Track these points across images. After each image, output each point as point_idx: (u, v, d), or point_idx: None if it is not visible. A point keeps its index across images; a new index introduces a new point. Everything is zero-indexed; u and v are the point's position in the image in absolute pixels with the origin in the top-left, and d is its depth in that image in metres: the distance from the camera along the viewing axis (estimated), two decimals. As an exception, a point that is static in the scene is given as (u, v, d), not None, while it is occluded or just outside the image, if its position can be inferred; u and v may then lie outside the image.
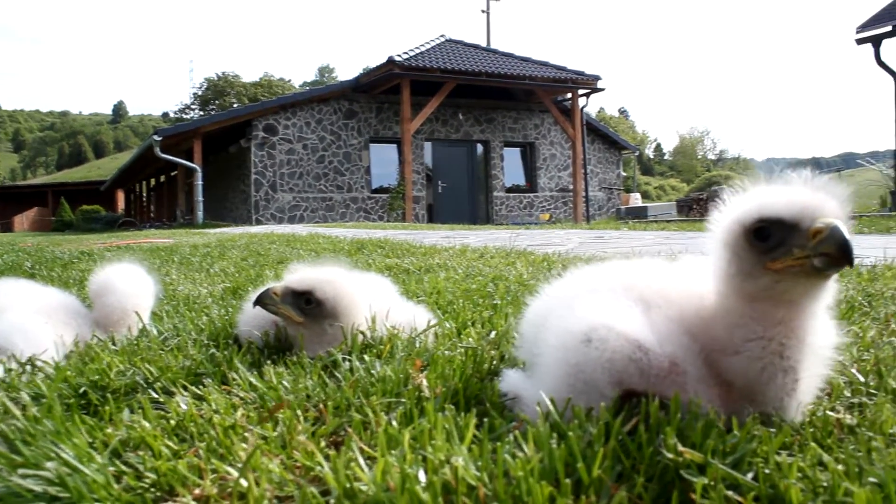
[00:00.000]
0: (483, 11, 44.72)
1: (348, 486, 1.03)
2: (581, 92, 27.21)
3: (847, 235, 1.19)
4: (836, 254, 1.19)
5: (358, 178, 26.14)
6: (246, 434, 1.32)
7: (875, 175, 21.48)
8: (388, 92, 25.24)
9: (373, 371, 1.66)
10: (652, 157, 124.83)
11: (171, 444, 1.28)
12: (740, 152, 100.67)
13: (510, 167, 29.12)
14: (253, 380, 1.64)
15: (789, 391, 1.30)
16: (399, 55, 23.95)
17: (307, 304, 2.01)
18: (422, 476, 1.03)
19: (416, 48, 25.62)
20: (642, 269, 1.52)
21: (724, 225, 1.34)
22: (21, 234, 31.05)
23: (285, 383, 1.61)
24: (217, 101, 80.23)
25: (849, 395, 1.48)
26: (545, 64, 27.10)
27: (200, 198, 24.36)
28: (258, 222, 23.77)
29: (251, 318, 2.20)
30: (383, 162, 26.65)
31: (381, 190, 26.42)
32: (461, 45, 27.69)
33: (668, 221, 17.44)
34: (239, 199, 26.54)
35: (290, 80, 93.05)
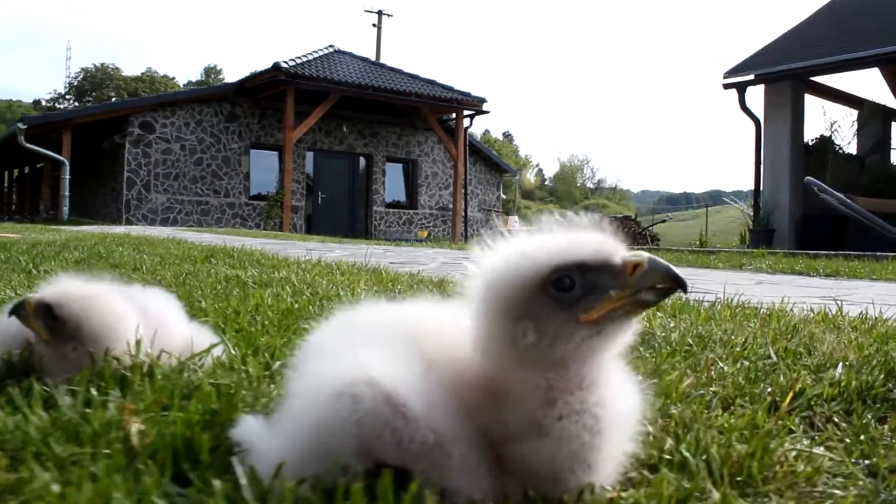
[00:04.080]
0: (374, 25, 44.83)
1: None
2: (466, 113, 27.55)
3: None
4: (669, 282, 1.07)
5: (236, 184, 25.58)
6: None
7: (737, 213, 22.59)
8: (272, 98, 24.83)
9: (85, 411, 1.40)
10: (533, 181, 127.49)
11: None
12: (617, 182, 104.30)
13: (392, 183, 29.15)
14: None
15: (592, 473, 1.10)
16: (286, 61, 23.62)
17: (53, 320, 1.76)
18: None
19: (304, 56, 25.36)
20: (440, 316, 1.28)
21: (499, 289, 1.11)
22: None
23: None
24: (94, 94, 77.12)
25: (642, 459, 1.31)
26: (432, 82, 27.31)
27: (66, 192, 23.26)
28: (129, 222, 22.89)
29: (1, 333, 1.93)
30: (263, 169, 26.18)
31: (259, 197, 25.92)
32: (350, 57, 27.60)
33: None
34: (110, 197, 25.51)
35: (174, 78, 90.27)
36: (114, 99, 66.24)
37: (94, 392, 1.52)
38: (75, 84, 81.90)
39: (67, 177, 23.21)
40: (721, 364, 2.05)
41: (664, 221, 38.01)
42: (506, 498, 1.08)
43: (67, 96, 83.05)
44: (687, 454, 1.32)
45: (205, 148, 24.96)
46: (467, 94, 27.33)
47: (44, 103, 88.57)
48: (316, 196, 27.16)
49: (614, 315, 1.07)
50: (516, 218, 36.50)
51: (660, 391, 1.71)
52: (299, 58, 24.90)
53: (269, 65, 23.84)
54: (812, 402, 1.74)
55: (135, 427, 1.32)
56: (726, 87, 18.90)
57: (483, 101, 27.55)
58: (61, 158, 23.09)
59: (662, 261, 1.06)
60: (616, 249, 1.08)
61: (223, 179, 25.32)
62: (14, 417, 1.37)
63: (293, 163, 24.48)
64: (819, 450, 1.42)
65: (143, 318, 1.87)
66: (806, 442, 1.48)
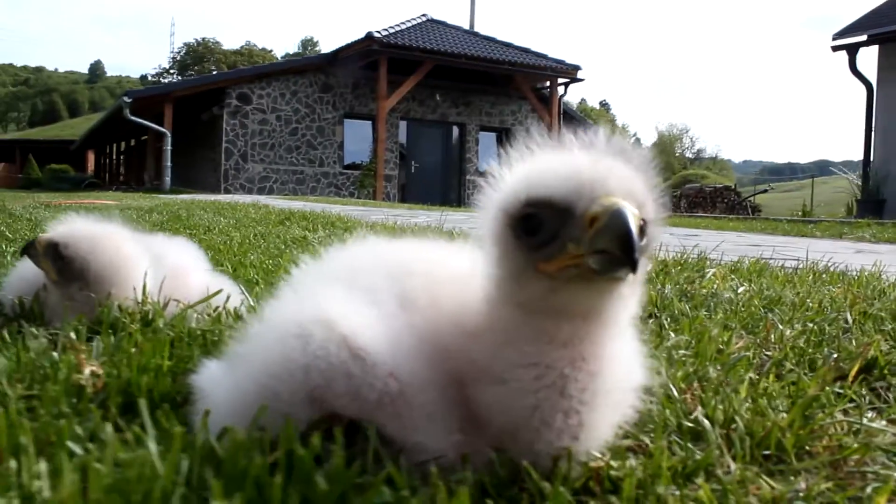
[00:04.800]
0: (469, -6, 44.41)
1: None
2: (560, 81, 27.12)
3: (631, 224, 0.85)
4: (614, 250, 0.86)
5: (330, 153, 25.86)
6: None
7: (845, 184, 21.57)
8: (365, 68, 24.92)
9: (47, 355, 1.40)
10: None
11: None
12: (718, 152, 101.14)
13: (485, 151, 28.96)
14: None
15: (569, 440, 0.96)
16: (378, 31, 23.65)
17: (61, 259, 1.75)
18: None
19: (397, 25, 25.32)
20: (439, 254, 1.18)
21: (490, 211, 0.99)
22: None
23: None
24: (196, 67, 79.35)
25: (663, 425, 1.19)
26: (526, 50, 26.93)
27: (169, 163, 24.02)
28: (227, 191, 23.45)
29: (15, 279, 1.97)
30: (357, 138, 26.39)
31: (353, 166, 26.17)
32: (443, 26, 27.42)
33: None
34: (209, 167, 26.17)
35: (272, 51, 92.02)
36: (214, 72, 68.06)
37: (73, 336, 1.50)
38: (178, 59, 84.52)
39: (169, 148, 23.93)
40: (782, 327, 1.88)
41: (765, 192, 36.70)
42: (464, 459, 0.95)
43: (171, 71, 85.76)
44: (705, 422, 1.18)
45: (300, 118, 25.29)
46: (562, 62, 26.86)
47: (149, 78, 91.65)
48: (409, 165, 27.22)
49: (569, 274, 0.91)
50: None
51: (699, 352, 1.57)
52: (392, 27, 24.87)
53: (362, 35, 23.90)
54: (886, 372, 1.57)
55: (87, 370, 1.30)
56: (835, 49, 17.99)
57: (578, 68, 27.04)
58: (163, 130, 23.82)
59: (626, 219, 0.85)
60: (599, 188, 0.89)
61: (317, 149, 25.64)
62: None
63: (386, 132, 24.59)
64: (880, 424, 1.25)
65: (157, 266, 1.85)
66: (870, 415, 1.31)
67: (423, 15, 27.66)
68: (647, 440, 1.13)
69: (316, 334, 0.95)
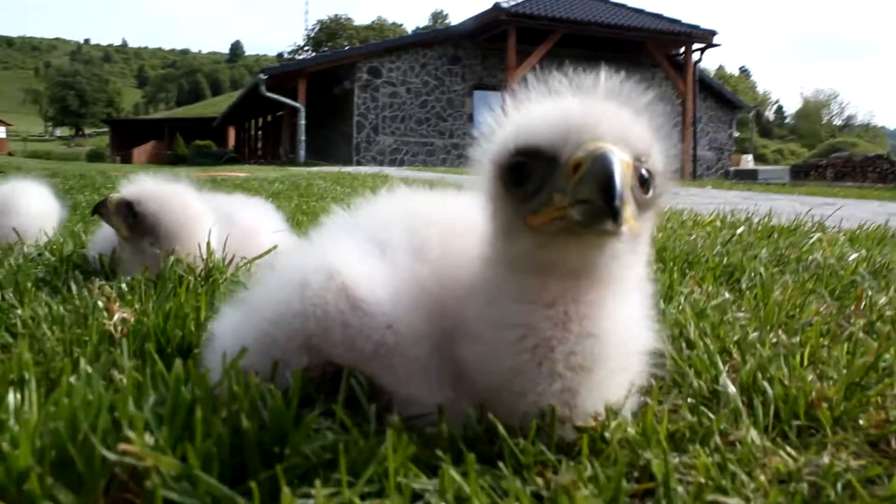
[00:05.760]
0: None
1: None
2: (695, 47, 26.17)
3: (616, 169, 0.78)
4: (595, 198, 0.79)
5: (460, 125, 25.93)
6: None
7: None
8: (493, 39, 24.78)
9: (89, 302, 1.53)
10: (772, 119, 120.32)
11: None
12: (870, 119, 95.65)
13: (616, 121, 28.35)
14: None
15: (558, 403, 0.91)
16: (506, 1, 23.45)
17: (133, 217, 1.84)
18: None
19: (525, -6, 25.05)
20: (454, 205, 1.15)
21: (483, 164, 0.96)
22: (137, 166, 32.26)
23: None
24: (329, 44, 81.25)
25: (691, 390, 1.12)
26: (658, 16, 26.14)
27: (303, 137, 24.70)
28: (359, 164, 23.91)
29: (100, 238, 2.08)
30: (487, 109, 26.26)
31: (483, 138, 26.16)
32: (572, -7, 26.93)
33: (778, 185, 16.60)
34: (342, 140, 26.74)
35: (402, 25, 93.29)
36: (346, 48, 69.46)
37: (108, 287, 1.65)
38: (312, 36, 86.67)
39: (303, 122, 24.60)
40: (875, 294, 1.74)
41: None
42: (440, 411, 0.90)
43: (305, 48, 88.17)
44: (729, 387, 1.08)
45: (429, 91, 25.45)
46: (696, 27, 25.91)
47: (285, 56, 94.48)
48: (538, 136, 26.99)
49: (555, 227, 0.84)
50: (750, 157, 34.59)
51: (765, 317, 1.47)
52: (520, -4, 24.62)
53: (490, 6, 23.75)
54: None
55: (117, 316, 1.38)
56: None
57: (713, 33, 26.01)
58: (297, 105, 24.48)
59: (609, 164, 0.78)
60: (586, 133, 0.82)
61: (447, 121, 25.75)
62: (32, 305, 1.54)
63: (515, 103, 24.39)
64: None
65: (228, 224, 1.90)
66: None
67: (553, -17, 27.23)
68: (667, 405, 1.07)
69: (315, 283, 0.94)
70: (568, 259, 0.87)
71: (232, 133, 52.02)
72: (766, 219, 3.71)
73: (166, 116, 71.49)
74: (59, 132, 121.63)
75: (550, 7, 24.33)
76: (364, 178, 7.88)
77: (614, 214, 0.78)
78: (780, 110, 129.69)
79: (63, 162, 34.15)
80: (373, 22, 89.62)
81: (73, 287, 1.67)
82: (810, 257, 2.35)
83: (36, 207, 2.46)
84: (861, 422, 1.04)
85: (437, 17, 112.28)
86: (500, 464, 0.86)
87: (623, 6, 26.65)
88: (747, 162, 33.39)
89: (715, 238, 2.90)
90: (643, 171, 0.85)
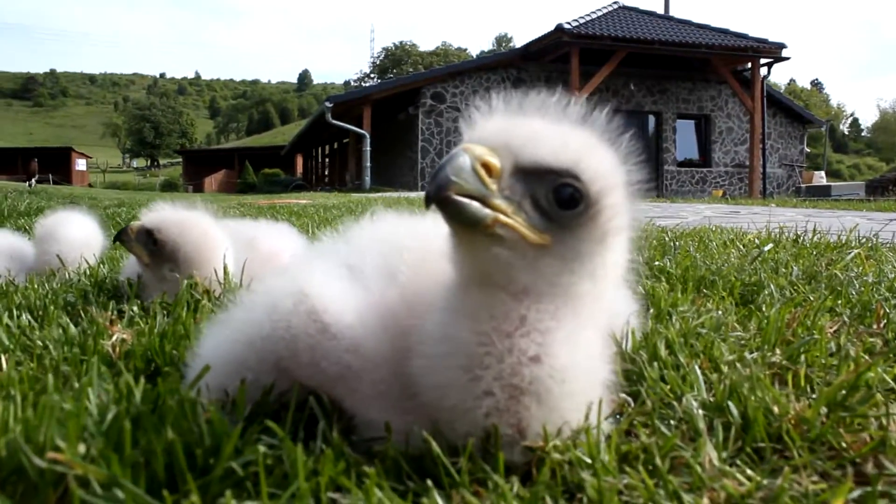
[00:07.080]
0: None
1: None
2: (762, 61, 25.70)
3: (456, 159, 0.84)
4: (430, 185, 0.85)
5: (524, 148, 25.91)
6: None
7: None
8: (556, 61, 24.79)
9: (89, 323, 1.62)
10: (847, 132, 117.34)
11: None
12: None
13: (683, 140, 27.99)
14: (11, 324, 1.70)
15: (504, 427, 0.89)
16: (569, 22, 23.45)
17: (154, 244, 1.90)
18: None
19: (588, 15, 24.99)
20: (430, 229, 1.13)
21: None
22: (208, 195, 33.08)
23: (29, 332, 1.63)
24: (394, 70, 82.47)
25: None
26: (724, 31, 25.77)
27: (368, 163, 24.98)
28: (423, 189, 24.04)
29: (131, 263, 2.14)
30: (551, 132, 26.27)
31: (546, 160, 26.11)
32: (635, 12, 26.75)
33: (847, 201, 16.10)
34: (406, 165, 26.98)
35: (466, 49, 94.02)
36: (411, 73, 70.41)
37: (136, 310, 1.76)
38: (378, 63, 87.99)
39: (368, 148, 24.90)
40: (889, 311, 1.72)
41: None
42: (387, 429, 0.92)
43: (371, 75, 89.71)
44: (693, 406, 1.06)
45: (493, 114, 25.50)
46: (764, 41, 25.46)
47: (352, 83, 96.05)
48: (603, 157, 26.80)
49: (457, 236, 0.92)
50: (822, 173, 33.67)
51: (764, 336, 1.48)
52: (582, 17, 24.57)
53: (553, 27, 23.77)
54: None
55: (115, 336, 1.46)
56: None
57: (782, 46, 25.52)
58: (362, 132, 24.81)
59: (451, 157, 0.84)
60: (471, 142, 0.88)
61: (511, 144, 25.76)
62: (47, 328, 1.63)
63: (579, 124, 24.28)
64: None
65: (248, 249, 1.96)
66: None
67: (615, 2, 27.13)
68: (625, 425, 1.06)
69: (283, 306, 0.97)
70: (477, 264, 0.90)
71: (300, 160, 53.03)
72: (811, 235, 3.69)
73: (236, 146, 73.25)
74: (135, 163, 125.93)
75: (613, 27, 24.22)
76: (420, 202, 8.01)
77: (428, 196, 0.84)
78: (855, 123, 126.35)
79: (136, 192, 35.28)
80: (437, 47, 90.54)
81: (88, 310, 1.76)
82: (842, 275, 2.30)
83: (77, 236, 2.60)
84: (843, 443, 1.01)
85: (502, 40, 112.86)
86: (428, 482, 0.85)
87: (688, 22, 26.38)
88: (820, 178, 32.46)
89: (745, 256, 2.86)
90: (562, 185, 0.88)
